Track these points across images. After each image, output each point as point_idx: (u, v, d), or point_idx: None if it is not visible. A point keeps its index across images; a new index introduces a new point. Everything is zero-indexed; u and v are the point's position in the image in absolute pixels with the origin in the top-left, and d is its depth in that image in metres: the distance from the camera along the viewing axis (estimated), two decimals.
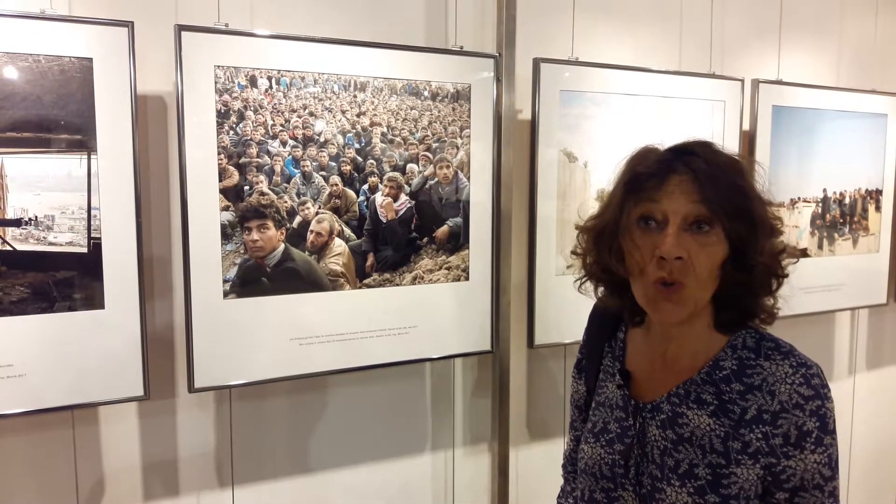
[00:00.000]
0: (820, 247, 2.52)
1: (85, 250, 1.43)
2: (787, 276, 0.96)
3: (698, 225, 0.90)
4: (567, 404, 2.19)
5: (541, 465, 2.16)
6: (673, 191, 0.91)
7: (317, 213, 1.65)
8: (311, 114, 1.62)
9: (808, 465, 0.89)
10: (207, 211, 1.52)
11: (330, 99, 1.64)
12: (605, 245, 0.97)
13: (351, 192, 1.69)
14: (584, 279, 1.06)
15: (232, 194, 1.55)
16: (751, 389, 0.93)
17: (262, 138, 1.57)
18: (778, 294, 0.96)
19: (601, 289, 1.06)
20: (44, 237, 1.40)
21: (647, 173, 0.93)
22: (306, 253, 1.65)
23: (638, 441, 0.99)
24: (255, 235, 1.58)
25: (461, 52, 1.81)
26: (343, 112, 1.65)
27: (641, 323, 1.06)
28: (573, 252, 1.07)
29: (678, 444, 0.95)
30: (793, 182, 2.43)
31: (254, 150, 1.56)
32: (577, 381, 1.19)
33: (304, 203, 1.63)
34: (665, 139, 0.98)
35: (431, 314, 1.82)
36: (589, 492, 1.04)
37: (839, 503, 0.93)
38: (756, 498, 0.91)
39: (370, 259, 1.73)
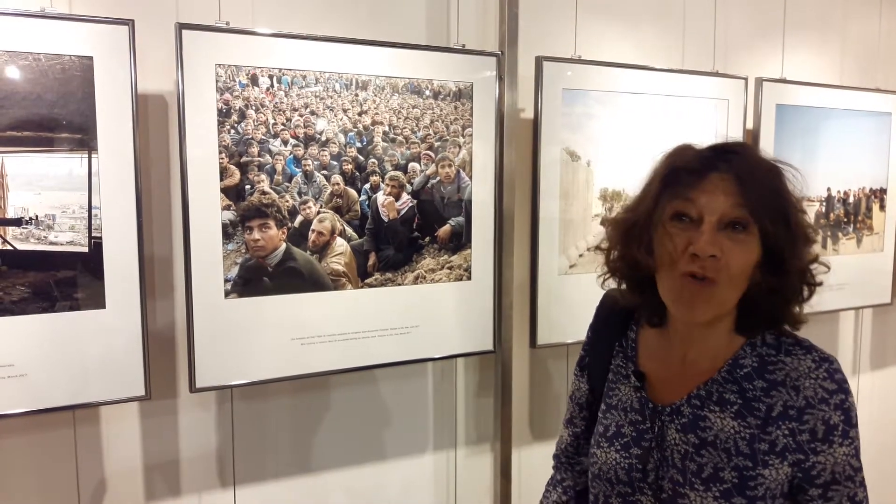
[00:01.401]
0: (824, 246, 2.51)
1: (86, 250, 1.42)
2: (819, 284, 0.95)
3: (733, 226, 0.89)
4: None
5: (543, 466, 2.14)
6: (713, 189, 0.90)
7: (318, 213, 1.64)
8: (313, 112, 1.61)
9: (838, 458, 0.90)
10: (208, 210, 1.52)
11: (331, 97, 1.63)
12: (636, 238, 0.96)
13: (352, 192, 1.68)
14: (606, 275, 1.05)
15: (233, 193, 1.54)
16: (774, 386, 0.93)
17: (264, 137, 1.56)
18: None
19: (623, 286, 1.05)
20: (44, 236, 1.39)
21: (687, 169, 0.92)
22: (308, 252, 1.64)
23: (657, 445, 0.97)
24: (256, 235, 1.58)
25: (463, 51, 1.80)
26: (345, 111, 1.65)
27: (661, 324, 1.03)
28: (597, 247, 1.06)
29: (701, 448, 0.94)
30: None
31: (255, 149, 1.56)
32: (580, 378, 1.17)
33: (305, 202, 1.63)
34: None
35: (433, 314, 1.81)
36: (604, 497, 1.02)
37: (867, 491, 0.94)
38: (781, 497, 0.91)
39: (372, 258, 1.72)
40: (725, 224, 0.89)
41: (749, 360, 0.95)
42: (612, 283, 1.06)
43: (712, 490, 0.91)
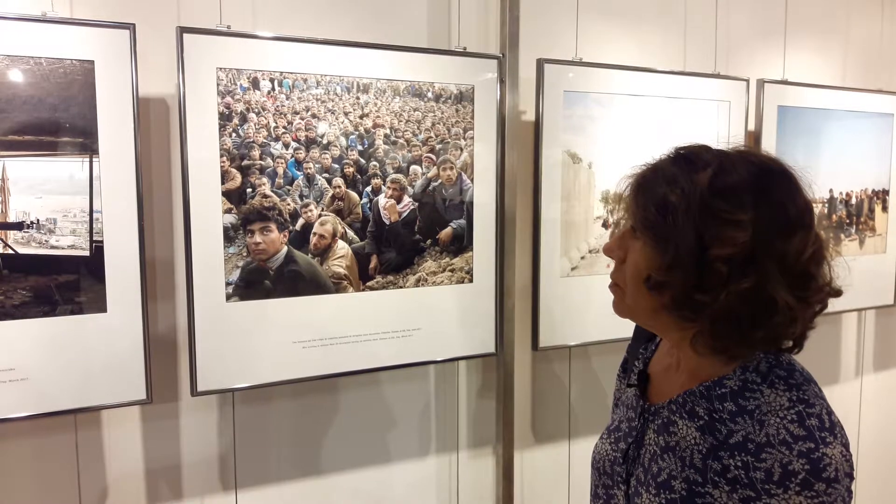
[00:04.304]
0: (826, 248, 2.50)
1: (87, 253, 1.42)
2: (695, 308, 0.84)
3: (633, 230, 0.91)
4: (572, 407, 2.18)
5: (546, 469, 2.15)
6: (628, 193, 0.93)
7: (320, 216, 1.64)
8: (314, 116, 1.61)
9: None
10: (210, 213, 1.52)
11: (333, 101, 1.63)
12: None
13: (354, 195, 1.68)
14: None
15: (234, 197, 1.54)
16: (742, 413, 0.85)
17: (265, 140, 1.56)
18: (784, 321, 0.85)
19: None
20: (46, 240, 1.39)
21: None
22: (309, 255, 1.64)
23: (635, 442, 0.98)
24: (257, 238, 1.57)
25: (464, 54, 1.80)
26: (346, 114, 1.65)
27: None
28: None
29: (664, 452, 0.92)
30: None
31: (256, 153, 1.56)
32: (621, 379, 1.18)
33: (306, 205, 1.62)
34: (672, 140, 0.97)
35: (435, 316, 1.80)
36: (594, 486, 1.07)
37: None
38: None
39: (373, 261, 1.72)
40: (632, 228, 0.91)
41: (733, 383, 0.89)
42: None
43: (660, 496, 0.89)
